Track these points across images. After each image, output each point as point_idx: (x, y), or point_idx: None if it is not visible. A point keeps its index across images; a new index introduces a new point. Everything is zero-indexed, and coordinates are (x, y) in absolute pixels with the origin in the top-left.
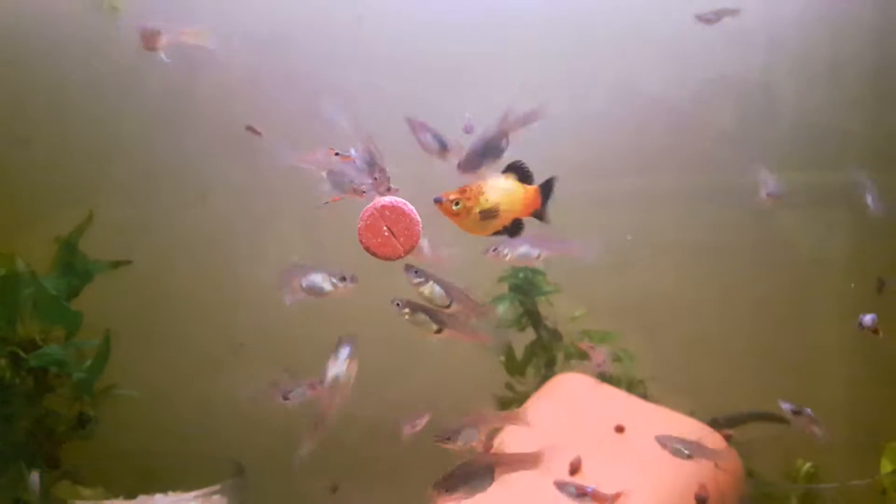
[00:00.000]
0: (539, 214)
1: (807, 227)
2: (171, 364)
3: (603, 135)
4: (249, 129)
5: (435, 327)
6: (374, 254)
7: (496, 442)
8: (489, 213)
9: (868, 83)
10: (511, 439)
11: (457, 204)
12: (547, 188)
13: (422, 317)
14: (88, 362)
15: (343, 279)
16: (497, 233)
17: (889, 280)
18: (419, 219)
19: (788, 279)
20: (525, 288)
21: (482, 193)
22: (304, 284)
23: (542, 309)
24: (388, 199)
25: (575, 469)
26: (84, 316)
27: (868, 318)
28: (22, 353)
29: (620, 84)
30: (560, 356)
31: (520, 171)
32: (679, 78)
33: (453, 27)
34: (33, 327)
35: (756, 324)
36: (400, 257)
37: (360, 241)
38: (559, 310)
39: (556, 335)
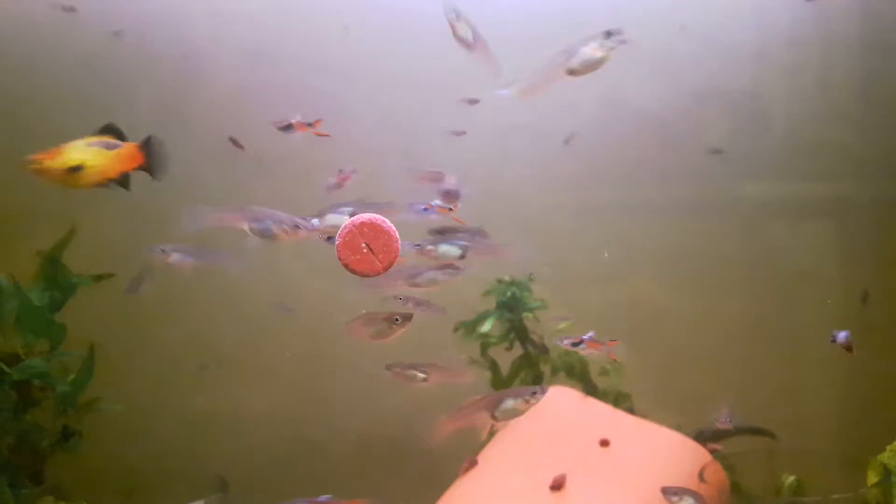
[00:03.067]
0: (147, 170)
1: (794, 239)
2: (155, 378)
3: (592, 147)
4: (232, 140)
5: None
6: (352, 271)
7: (480, 458)
8: (76, 169)
9: (856, 96)
10: (497, 453)
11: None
12: (148, 146)
13: None
14: (72, 376)
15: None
16: (102, 185)
17: (874, 292)
18: (398, 235)
19: (775, 292)
20: (511, 304)
21: (61, 153)
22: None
23: (529, 324)
24: (366, 216)
25: (559, 485)
26: (67, 330)
27: (842, 336)
28: (4, 367)
29: (609, 97)
30: (547, 371)
31: (113, 132)
32: (667, 91)
33: (439, 39)
34: (16, 341)
35: (743, 337)
36: (378, 274)
37: (339, 258)
38: (546, 324)
39: (543, 349)
